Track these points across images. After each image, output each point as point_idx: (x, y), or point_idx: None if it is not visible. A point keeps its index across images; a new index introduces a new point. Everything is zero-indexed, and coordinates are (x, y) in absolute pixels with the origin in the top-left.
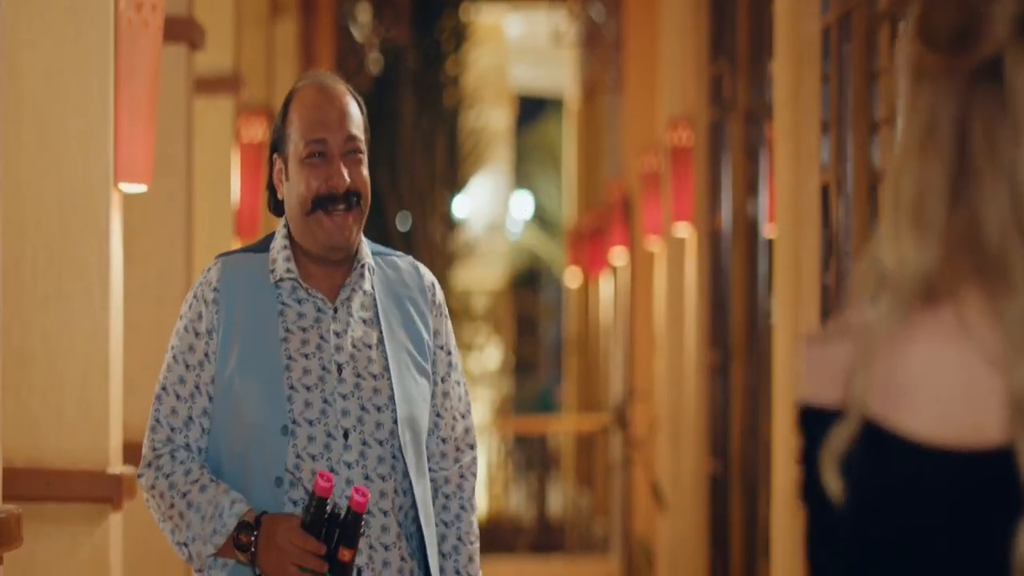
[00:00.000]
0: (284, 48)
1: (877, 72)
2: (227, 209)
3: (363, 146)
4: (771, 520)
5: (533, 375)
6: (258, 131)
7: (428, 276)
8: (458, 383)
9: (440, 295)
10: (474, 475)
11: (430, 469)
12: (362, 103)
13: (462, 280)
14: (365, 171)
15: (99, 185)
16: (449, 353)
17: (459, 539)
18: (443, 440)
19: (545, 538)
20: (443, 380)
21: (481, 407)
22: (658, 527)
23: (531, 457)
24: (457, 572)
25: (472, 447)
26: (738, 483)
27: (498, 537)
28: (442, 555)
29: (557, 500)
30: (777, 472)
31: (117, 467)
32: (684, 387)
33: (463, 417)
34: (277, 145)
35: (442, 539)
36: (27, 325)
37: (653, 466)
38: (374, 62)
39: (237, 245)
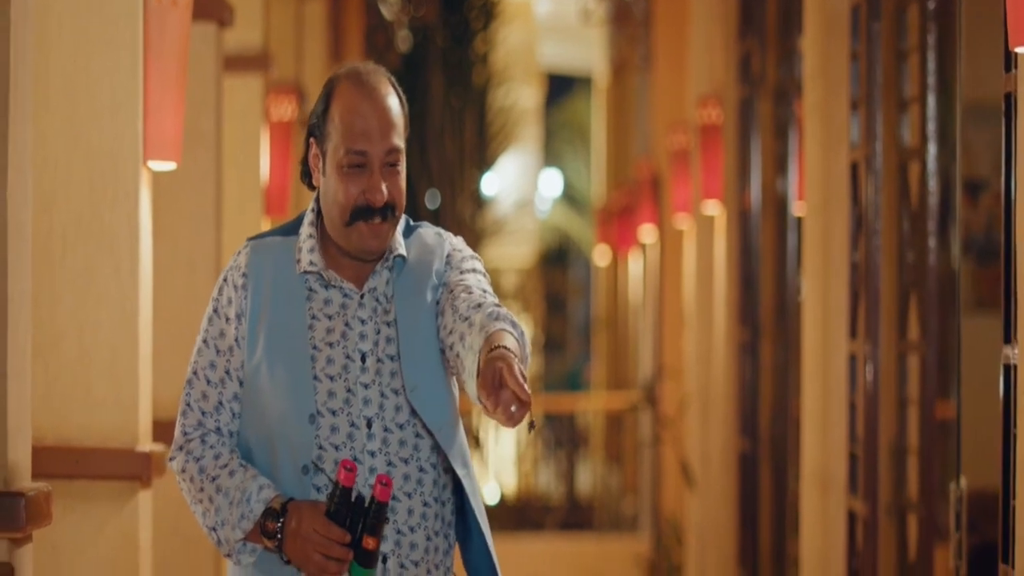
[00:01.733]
0: (313, 26)
1: (906, 50)
2: (256, 186)
3: (402, 155)
4: (800, 498)
5: (562, 353)
6: (287, 109)
7: (448, 244)
8: (483, 278)
9: (460, 253)
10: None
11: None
12: (403, 98)
13: (491, 258)
14: (402, 181)
15: (128, 161)
16: (471, 268)
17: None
18: (475, 306)
19: (574, 516)
20: (463, 273)
21: None
22: (687, 505)
23: (560, 435)
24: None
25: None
26: (767, 461)
27: (527, 515)
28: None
29: (586, 478)
30: (806, 450)
31: (146, 445)
32: (713, 365)
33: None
34: (315, 132)
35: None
36: (56, 302)
37: (682, 444)
38: (403, 40)
39: (266, 223)
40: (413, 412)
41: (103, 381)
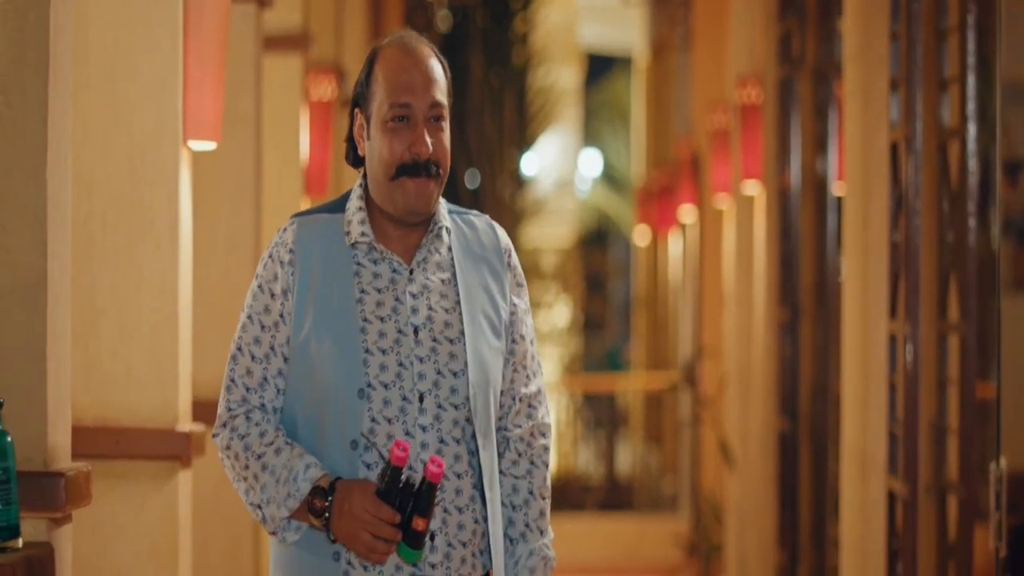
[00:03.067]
0: (353, 6)
1: (946, 29)
2: (296, 166)
3: (446, 112)
4: (840, 478)
5: (601, 333)
6: (327, 89)
7: (504, 238)
8: (532, 343)
9: (515, 258)
10: (545, 435)
11: (503, 428)
12: (447, 66)
13: (531, 238)
14: (447, 139)
15: (168, 140)
16: (525, 315)
17: (530, 492)
18: (516, 399)
19: (614, 496)
20: (517, 341)
21: (550, 365)
22: (727, 485)
23: (600, 415)
24: (527, 525)
25: (544, 406)
26: (807, 441)
27: (567, 495)
28: (513, 507)
29: (626, 458)
30: (846, 430)
31: (186, 425)
32: (753, 345)
33: (535, 376)
34: (359, 101)
35: (514, 491)
36: (96, 281)
37: (722, 424)
38: (442, 20)
39: (306, 202)
40: (468, 396)
41: (143, 361)
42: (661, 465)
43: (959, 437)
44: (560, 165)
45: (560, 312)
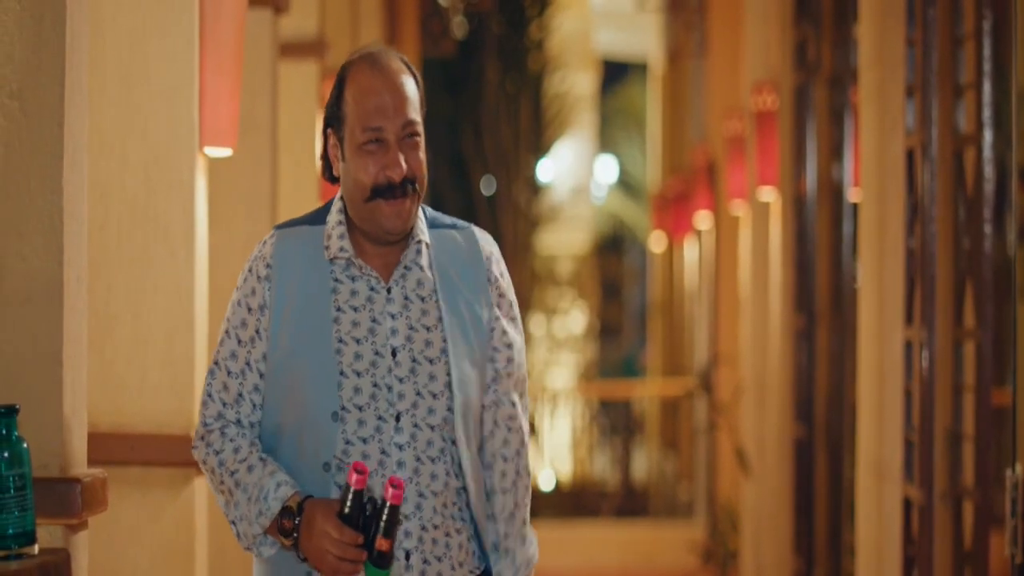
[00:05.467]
0: (369, 12)
1: (962, 36)
2: (311, 173)
3: (420, 128)
4: (856, 485)
5: (617, 340)
6: None
7: (487, 248)
8: (511, 360)
9: (498, 267)
10: (524, 441)
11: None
12: (417, 77)
13: (546, 244)
14: (422, 154)
15: (184, 148)
16: (511, 322)
17: (517, 473)
18: (497, 373)
19: (629, 503)
20: (499, 349)
21: (565, 371)
22: (743, 492)
23: (615, 422)
24: (506, 536)
25: (523, 394)
26: (823, 448)
27: (583, 502)
28: (502, 491)
29: (641, 465)
30: (862, 436)
31: None
32: (769, 351)
33: (516, 357)
34: (331, 122)
35: (502, 475)
36: (112, 287)
37: (738, 431)
38: (458, 26)
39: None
40: (447, 418)
41: (158, 367)
42: (677, 472)
43: (975, 444)
44: (576, 171)
45: (576, 318)
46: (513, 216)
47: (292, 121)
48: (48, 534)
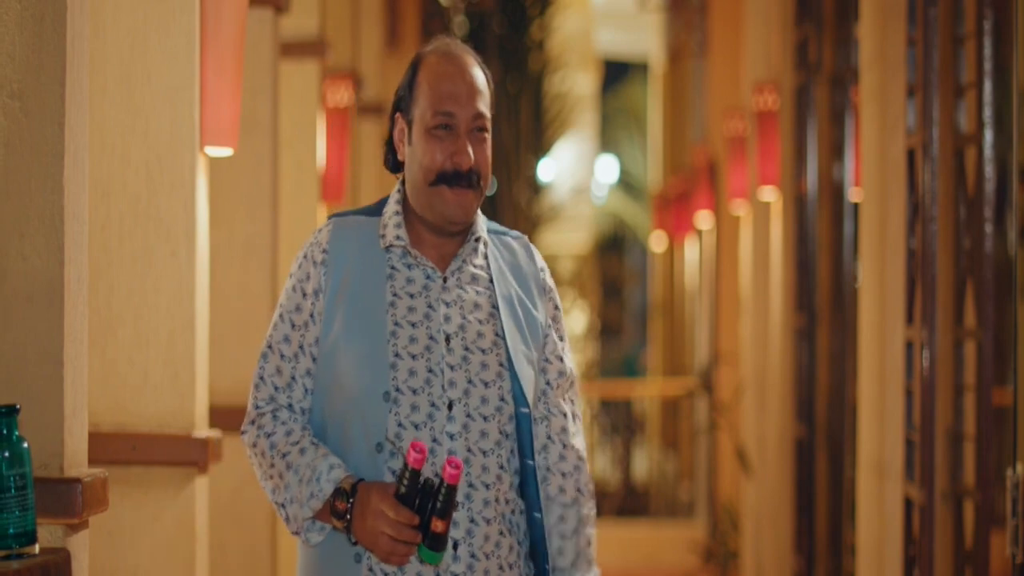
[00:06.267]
0: (370, 12)
1: (963, 35)
2: (312, 172)
3: (489, 124)
4: (857, 484)
5: (618, 339)
6: (343, 95)
7: (540, 260)
8: (571, 372)
9: (551, 281)
10: (587, 491)
11: (540, 456)
12: (490, 76)
13: (547, 244)
14: (489, 151)
15: (185, 147)
16: (562, 339)
17: (579, 520)
18: (548, 385)
19: (630, 502)
20: (554, 362)
21: None
22: (743, 491)
23: (616, 421)
24: (578, 554)
25: (575, 403)
26: (824, 447)
27: None
28: (562, 505)
29: (642, 465)
30: (862, 436)
31: (203, 431)
32: (770, 351)
33: (567, 371)
34: (401, 105)
35: (560, 491)
36: (113, 287)
37: (738, 430)
38: (459, 26)
39: (322, 209)
40: (500, 407)
41: (160, 367)
42: (678, 471)
43: (976, 443)
44: (576, 171)
45: (577, 318)
46: (514, 216)
47: (293, 121)
48: (49, 534)
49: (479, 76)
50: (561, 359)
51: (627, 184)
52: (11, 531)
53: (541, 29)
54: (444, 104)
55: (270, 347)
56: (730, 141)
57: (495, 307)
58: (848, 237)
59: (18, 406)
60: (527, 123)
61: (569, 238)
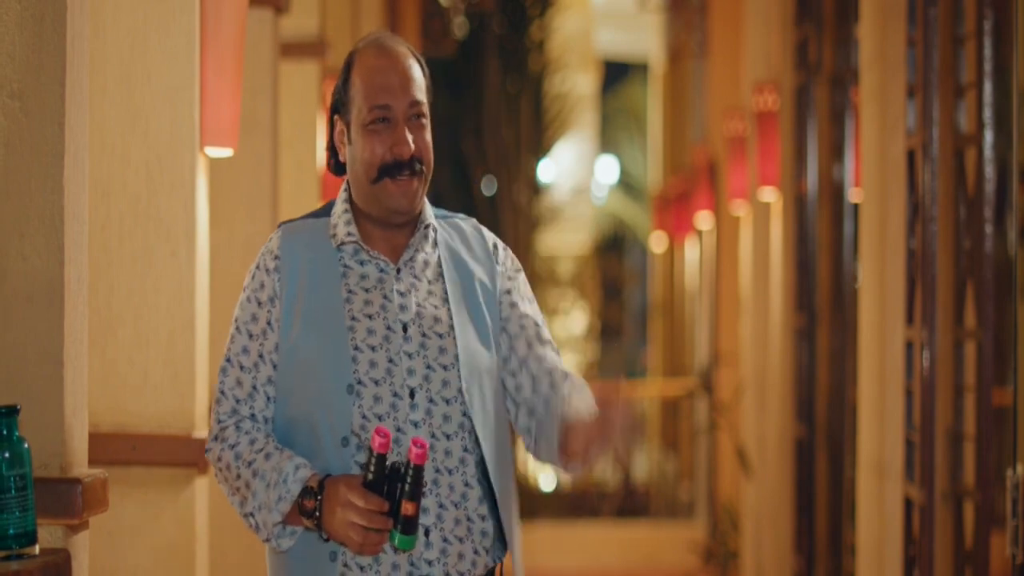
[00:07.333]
0: (370, 12)
1: (963, 36)
2: (312, 172)
3: (426, 109)
4: (857, 484)
5: (618, 340)
6: None
7: (490, 237)
8: (540, 322)
9: (504, 254)
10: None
11: (533, 395)
12: (423, 63)
13: (547, 245)
14: (428, 136)
15: (185, 147)
16: (525, 299)
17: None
18: (529, 343)
19: (630, 503)
20: (524, 315)
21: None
22: (743, 492)
23: None
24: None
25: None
26: (824, 447)
27: (583, 502)
28: (564, 377)
29: (642, 465)
30: (863, 436)
31: (203, 431)
32: (770, 351)
33: (542, 330)
34: (338, 107)
35: (564, 376)
36: (113, 287)
37: (738, 431)
38: (459, 27)
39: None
40: (460, 390)
41: (160, 367)
42: (678, 472)
43: (976, 443)
44: (576, 172)
45: (577, 319)
46: (514, 216)
47: (293, 121)
48: (49, 534)
49: (412, 65)
50: (537, 324)
51: (627, 184)
52: (11, 532)
53: (541, 29)
54: (379, 98)
55: (229, 360)
56: (730, 141)
57: (447, 293)
58: (848, 237)
59: (18, 406)
60: (527, 124)
61: (569, 238)
